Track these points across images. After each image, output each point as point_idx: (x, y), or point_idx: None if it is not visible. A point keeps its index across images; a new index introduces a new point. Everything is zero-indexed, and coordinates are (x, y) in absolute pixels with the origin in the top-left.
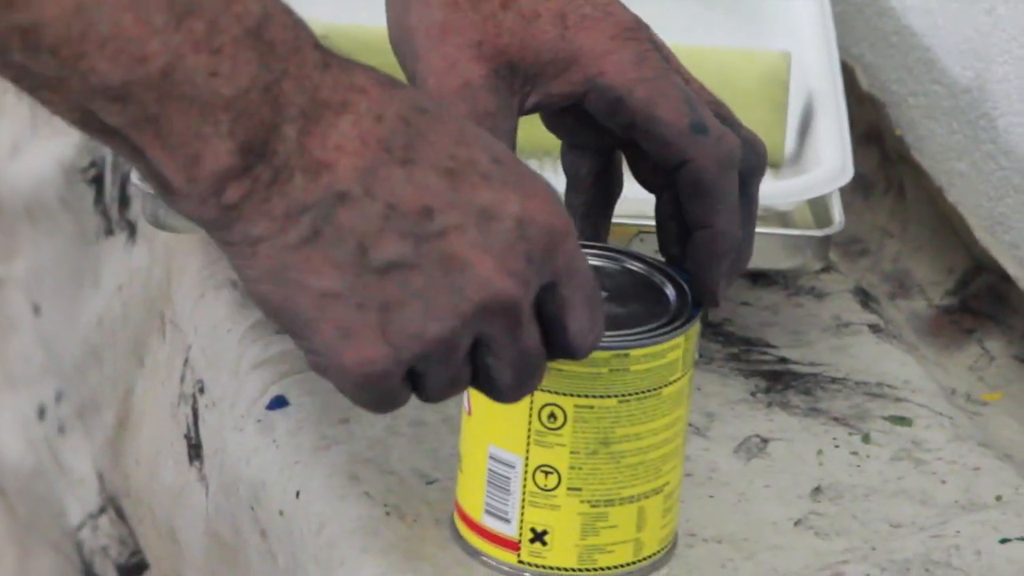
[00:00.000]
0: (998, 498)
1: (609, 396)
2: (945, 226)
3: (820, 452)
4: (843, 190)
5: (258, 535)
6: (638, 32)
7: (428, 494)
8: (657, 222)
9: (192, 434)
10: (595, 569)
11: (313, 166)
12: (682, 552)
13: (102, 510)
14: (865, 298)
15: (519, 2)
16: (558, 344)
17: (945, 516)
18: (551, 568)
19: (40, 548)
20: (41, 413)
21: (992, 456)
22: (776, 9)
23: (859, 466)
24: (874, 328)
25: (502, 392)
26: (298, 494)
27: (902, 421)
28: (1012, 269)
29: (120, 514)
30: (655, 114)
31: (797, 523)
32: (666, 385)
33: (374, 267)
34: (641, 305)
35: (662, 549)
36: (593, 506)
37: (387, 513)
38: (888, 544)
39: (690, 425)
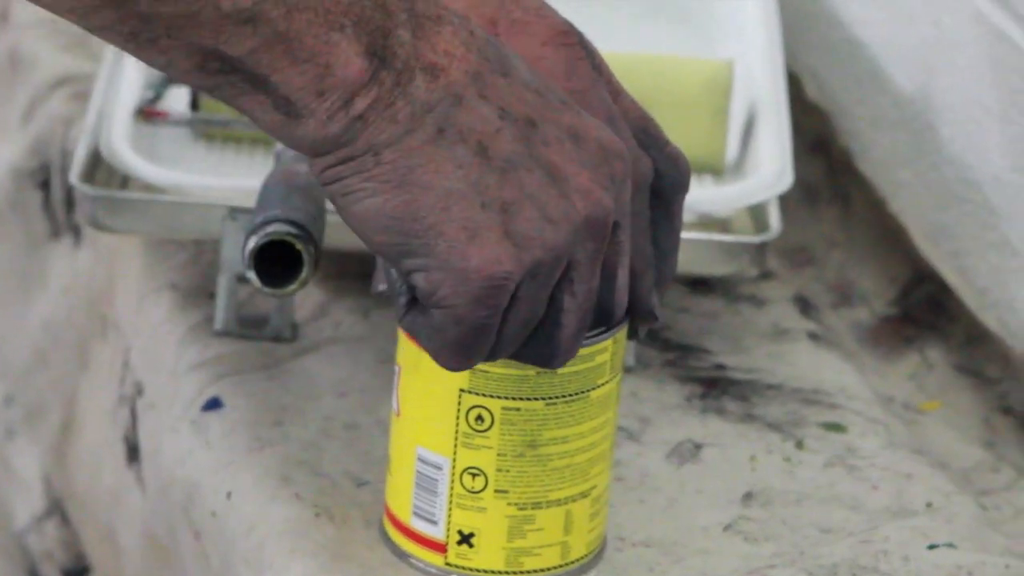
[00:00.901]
0: (928, 505)
1: (536, 399)
2: (889, 236)
3: (753, 458)
4: (789, 199)
5: (192, 536)
6: (570, 37)
7: (359, 496)
8: None
9: (131, 436)
10: (522, 572)
11: (430, 68)
12: (611, 556)
13: (48, 514)
14: (805, 306)
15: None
16: (604, 296)
17: (875, 522)
18: (478, 570)
19: None
20: None
21: (925, 463)
22: (723, 18)
23: (791, 472)
24: (812, 336)
25: (559, 344)
26: (230, 495)
27: (836, 428)
28: (953, 279)
29: (65, 517)
30: None
31: (727, 528)
32: (593, 388)
33: (494, 166)
34: None
35: (590, 553)
36: (520, 509)
37: (317, 515)
38: (816, 549)
39: (624, 429)
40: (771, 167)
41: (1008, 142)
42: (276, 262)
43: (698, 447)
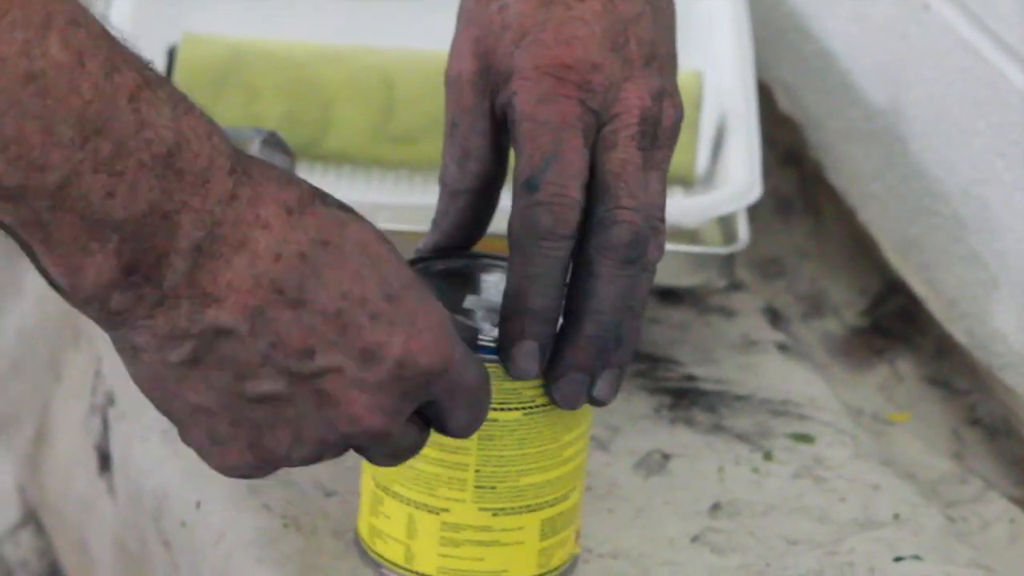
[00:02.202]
0: (895, 516)
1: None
2: (860, 247)
3: (721, 469)
4: (761, 210)
5: (162, 546)
6: (570, 73)
7: (327, 506)
8: None
9: (102, 445)
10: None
11: (201, 298)
12: (579, 567)
13: (23, 523)
14: (774, 317)
15: (508, 10)
16: (439, 430)
17: (842, 534)
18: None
19: None
20: None
21: (893, 475)
22: (693, 29)
23: (759, 483)
24: (782, 347)
25: (383, 464)
26: (199, 505)
27: (805, 439)
28: (922, 291)
29: (39, 526)
30: (519, 153)
31: (694, 539)
32: (516, 409)
33: (248, 397)
34: None
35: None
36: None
37: (285, 525)
38: (783, 561)
39: (593, 438)
40: (740, 178)
41: (975, 155)
42: None
43: (666, 457)
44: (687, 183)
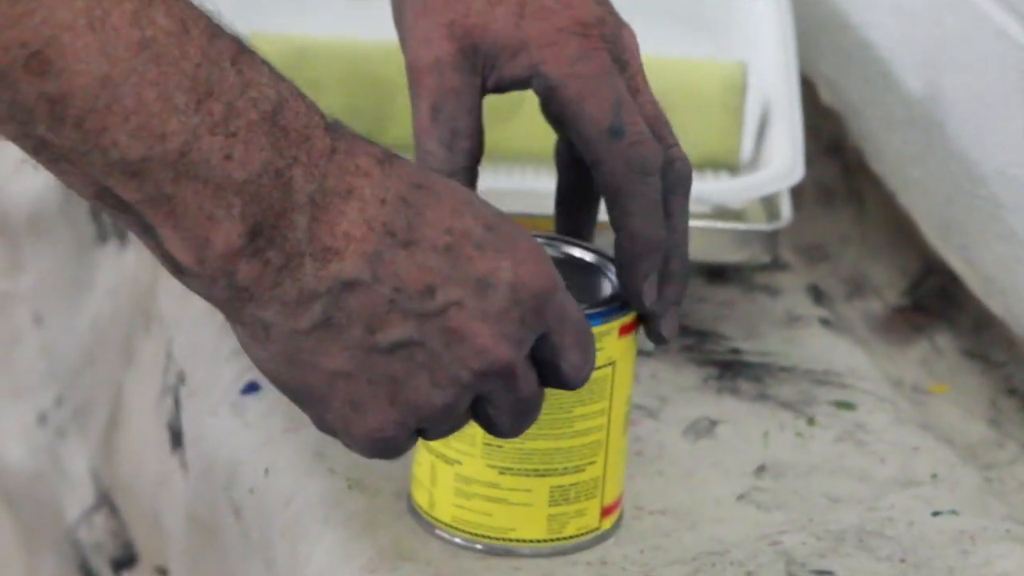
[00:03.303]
0: (933, 476)
1: None
2: (901, 231)
3: (766, 434)
4: (806, 199)
5: (232, 514)
6: (591, 29)
7: (389, 469)
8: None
9: (174, 423)
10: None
11: (323, 253)
12: (629, 523)
13: (97, 506)
14: (818, 295)
15: None
16: (553, 380)
17: (882, 491)
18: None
19: (44, 551)
20: (42, 419)
21: (932, 438)
22: (737, 24)
23: (803, 447)
24: (824, 322)
25: (502, 433)
26: (267, 471)
27: (846, 406)
28: (961, 269)
29: (113, 508)
30: (579, 111)
31: (740, 498)
32: None
33: (382, 347)
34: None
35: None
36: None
37: (349, 487)
38: (825, 516)
39: (643, 408)
40: (783, 161)
41: (1011, 137)
42: None
43: (713, 424)
44: (732, 168)
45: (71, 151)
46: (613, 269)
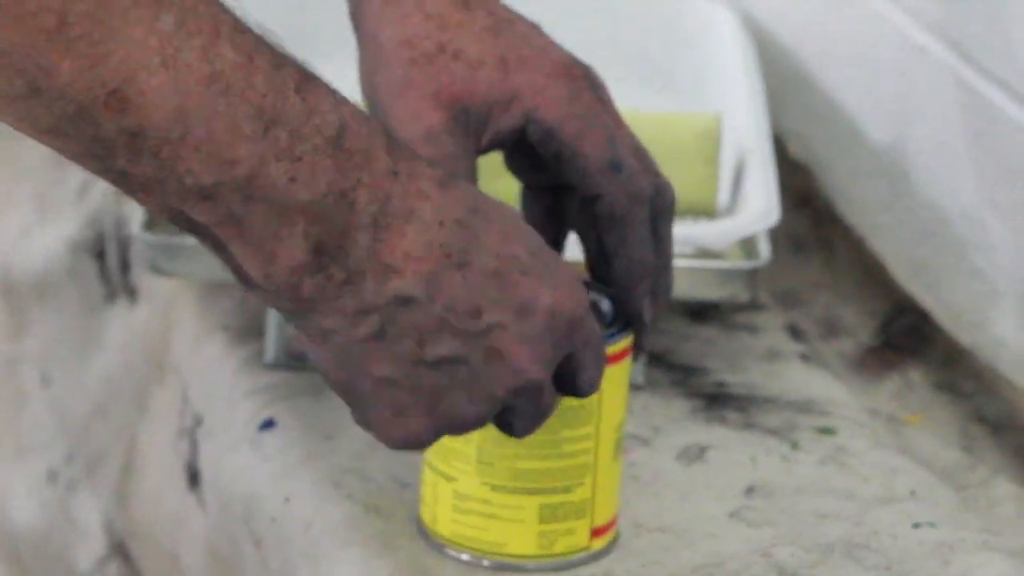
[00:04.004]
0: (912, 492)
1: None
2: (870, 275)
3: (754, 458)
4: (778, 250)
5: (252, 545)
6: (573, 70)
7: (404, 495)
8: (587, 260)
9: (192, 463)
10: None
11: (383, 271)
12: (629, 541)
13: (109, 557)
14: (796, 333)
15: (466, 52)
16: (568, 390)
17: (865, 508)
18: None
19: None
20: (52, 476)
21: (909, 460)
22: (712, 79)
23: (789, 469)
24: (803, 357)
25: (516, 434)
26: (287, 500)
27: (828, 431)
28: (931, 306)
29: (127, 556)
30: (579, 149)
31: (732, 516)
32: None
33: (428, 361)
34: None
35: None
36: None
37: (367, 511)
38: (813, 531)
39: (637, 437)
40: (760, 204)
41: (974, 179)
42: None
43: (704, 449)
44: (710, 214)
45: (149, 180)
46: (601, 298)
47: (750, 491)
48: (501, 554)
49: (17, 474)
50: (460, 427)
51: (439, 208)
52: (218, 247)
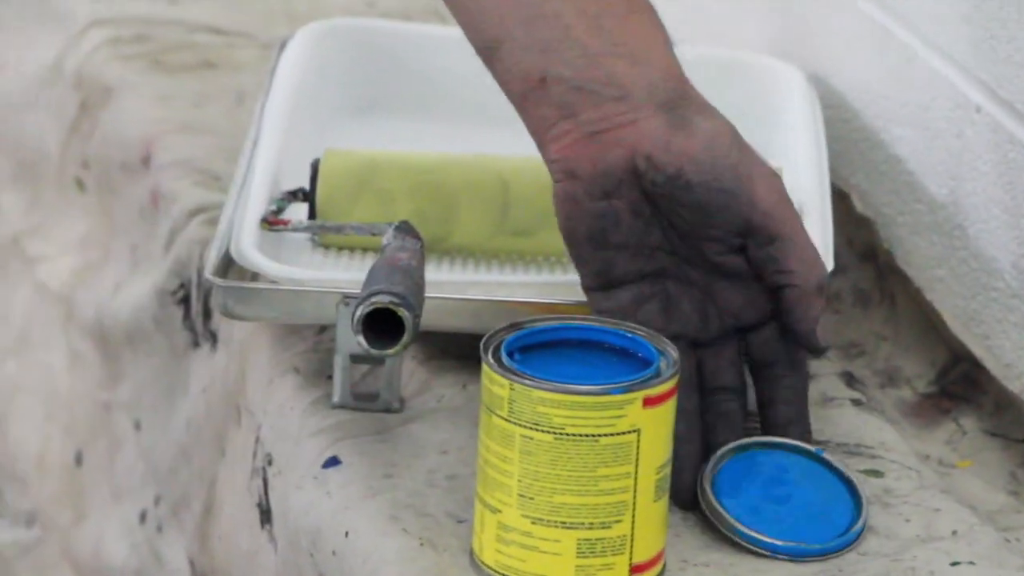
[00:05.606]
0: (954, 532)
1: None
2: (929, 326)
3: None
4: (843, 304)
5: None
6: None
7: (459, 530)
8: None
9: (263, 501)
10: None
11: None
12: (674, 574)
13: None
14: (850, 379)
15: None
16: None
17: (905, 546)
18: None
19: None
20: (143, 517)
21: (953, 501)
22: (777, 135)
23: None
24: (856, 402)
25: None
26: (347, 534)
27: (875, 473)
28: (983, 356)
29: None
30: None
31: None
32: (548, 432)
33: None
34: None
35: None
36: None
37: (421, 544)
38: (854, 567)
39: None
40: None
41: (1022, 232)
42: (382, 329)
43: None
44: None
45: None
46: (651, 348)
47: None
48: None
49: (113, 516)
50: None
51: None
52: None
